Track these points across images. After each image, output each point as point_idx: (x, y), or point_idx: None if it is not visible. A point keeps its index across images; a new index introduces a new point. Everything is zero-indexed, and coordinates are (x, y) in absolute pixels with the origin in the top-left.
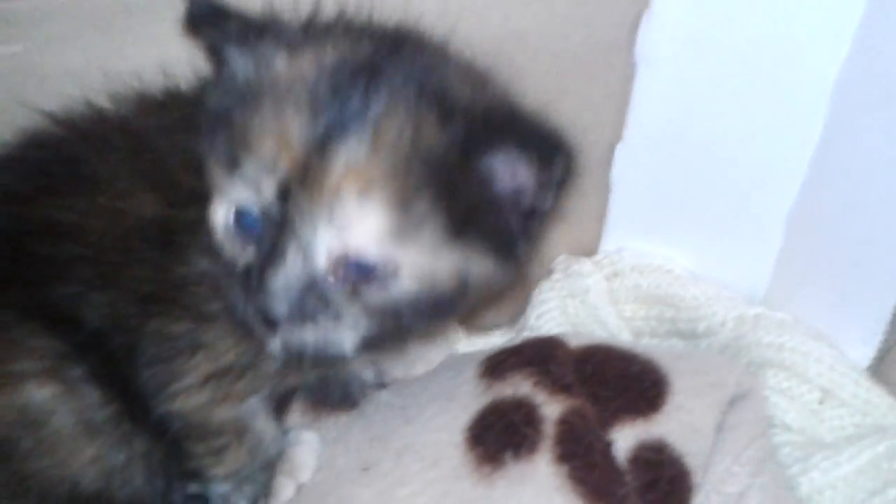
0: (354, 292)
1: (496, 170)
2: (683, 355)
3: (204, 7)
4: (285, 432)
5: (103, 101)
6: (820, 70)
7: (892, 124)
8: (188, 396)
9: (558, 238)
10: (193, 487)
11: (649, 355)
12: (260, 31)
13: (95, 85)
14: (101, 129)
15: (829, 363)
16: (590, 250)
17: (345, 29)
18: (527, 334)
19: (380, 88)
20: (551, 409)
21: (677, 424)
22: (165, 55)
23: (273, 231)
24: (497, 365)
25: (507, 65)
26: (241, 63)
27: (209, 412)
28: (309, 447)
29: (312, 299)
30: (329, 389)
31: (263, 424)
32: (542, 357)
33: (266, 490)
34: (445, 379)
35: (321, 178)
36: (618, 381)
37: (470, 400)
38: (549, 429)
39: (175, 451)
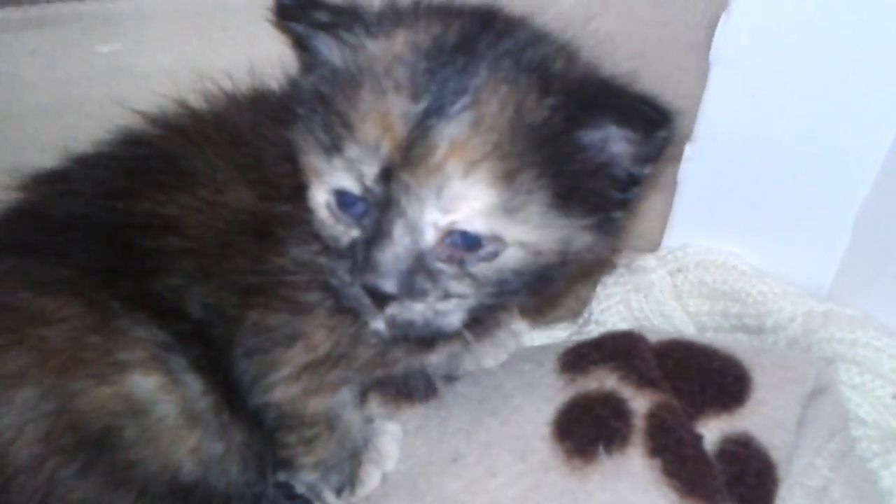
0: (462, 266)
1: (597, 140)
2: (762, 350)
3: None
4: (369, 422)
5: (196, 100)
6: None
7: None
8: (285, 387)
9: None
10: (281, 476)
11: (729, 350)
12: (349, 17)
13: (188, 84)
14: (196, 125)
15: None
16: (653, 246)
17: (432, 9)
18: (591, 329)
19: (478, 65)
20: (639, 403)
21: (761, 418)
22: (256, 54)
23: (378, 210)
24: (579, 359)
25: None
26: (334, 50)
27: (304, 403)
28: (393, 437)
29: (421, 275)
30: (410, 381)
31: (352, 415)
32: (624, 351)
33: (351, 479)
34: (524, 372)
35: (425, 156)
36: (700, 375)
37: (552, 393)
38: (640, 422)
39: (269, 442)
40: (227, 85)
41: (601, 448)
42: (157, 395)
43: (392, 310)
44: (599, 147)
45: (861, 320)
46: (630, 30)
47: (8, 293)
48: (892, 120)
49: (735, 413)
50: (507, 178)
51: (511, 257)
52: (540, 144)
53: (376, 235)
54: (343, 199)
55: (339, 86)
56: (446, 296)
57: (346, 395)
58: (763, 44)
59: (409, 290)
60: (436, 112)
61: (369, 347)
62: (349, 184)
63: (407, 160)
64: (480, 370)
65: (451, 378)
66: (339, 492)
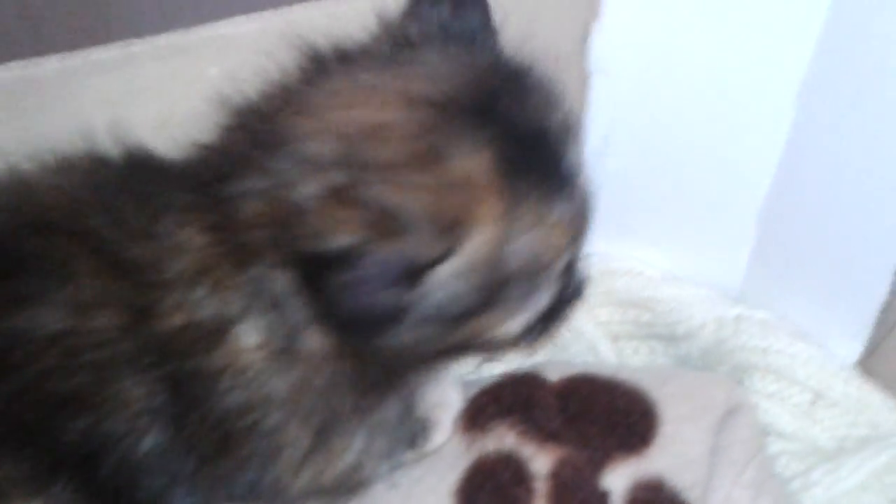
0: None
1: None
2: (667, 377)
3: None
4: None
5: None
6: (786, 71)
7: (859, 120)
8: (297, 484)
9: None
10: None
11: (634, 382)
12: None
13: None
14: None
15: (818, 363)
16: None
17: None
18: None
19: None
20: (540, 462)
21: (671, 457)
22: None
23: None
24: (478, 414)
25: None
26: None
27: (319, 480)
28: (453, 382)
29: None
30: None
31: (379, 443)
32: (522, 402)
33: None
34: None
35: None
36: (605, 416)
37: (455, 458)
38: (541, 486)
39: None
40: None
41: None
42: None
43: None
44: None
45: (773, 324)
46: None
47: None
48: (785, 116)
49: (644, 455)
50: None
51: None
52: None
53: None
54: None
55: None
56: None
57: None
58: (641, 48)
59: None
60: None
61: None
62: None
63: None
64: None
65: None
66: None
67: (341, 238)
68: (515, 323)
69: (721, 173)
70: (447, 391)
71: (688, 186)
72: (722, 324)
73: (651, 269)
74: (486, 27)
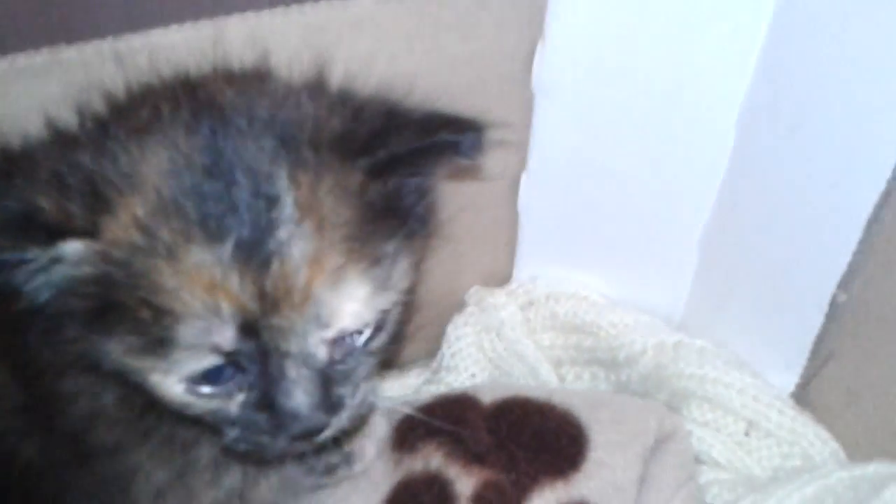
0: (358, 353)
1: (406, 182)
2: (601, 402)
3: None
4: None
5: None
6: (725, 91)
7: (798, 147)
8: None
9: (470, 268)
10: None
11: (566, 406)
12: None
13: None
14: None
15: (753, 393)
16: (502, 279)
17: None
18: (443, 375)
19: (277, 163)
20: (465, 484)
21: (599, 482)
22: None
23: (257, 361)
24: (408, 433)
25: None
26: (68, 261)
27: None
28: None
29: (332, 387)
30: None
31: (258, 493)
32: (453, 421)
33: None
34: None
35: (283, 292)
36: (535, 439)
37: (381, 477)
38: None
39: None
40: None
41: None
42: None
43: (326, 433)
44: (408, 184)
45: (711, 352)
46: (439, 67)
47: None
48: (725, 143)
49: (571, 479)
50: (371, 261)
51: (392, 316)
52: (376, 207)
53: (273, 386)
54: (205, 377)
55: (102, 294)
56: (358, 384)
57: (233, 475)
58: (584, 69)
59: (332, 407)
60: (257, 241)
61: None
62: (201, 363)
63: (268, 309)
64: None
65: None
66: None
67: None
68: (166, 380)
69: (663, 198)
70: (373, 419)
71: (630, 211)
72: (661, 350)
73: (594, 294)
74: None
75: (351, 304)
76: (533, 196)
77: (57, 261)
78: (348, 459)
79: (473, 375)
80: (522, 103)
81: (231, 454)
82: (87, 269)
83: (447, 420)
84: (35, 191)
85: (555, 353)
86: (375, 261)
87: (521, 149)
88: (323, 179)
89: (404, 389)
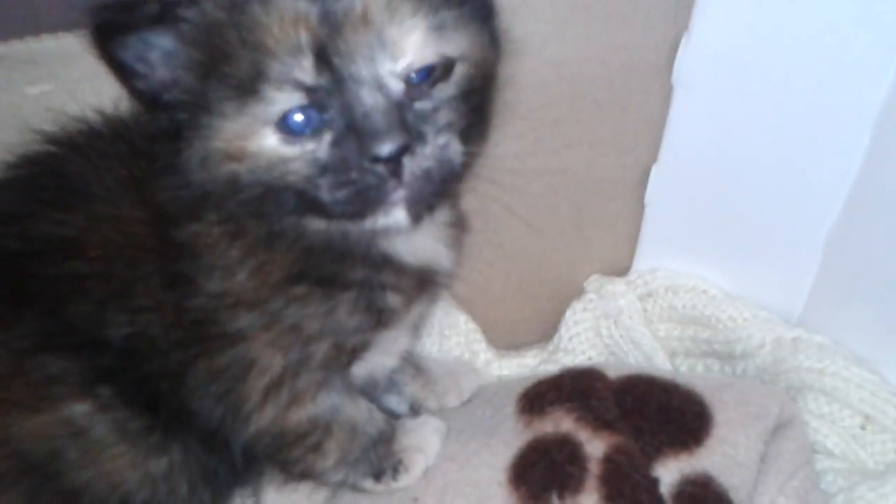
0: (432, 98)
1: None
2: (725, 385)
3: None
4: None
5: (94, 117)
6: (863, 94)
7: None
8: (259, 415)
9: (590, 257)
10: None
11: (690, 386)
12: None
13: None
14: (91, 140)
15: (871, 388)
16: (622, 270)
17: None
18: (560, 356)
19: None
20: (595, 446)
21: (721, 458)
22: None
23: (336, 95)
24: (536, 399)
25: (544, 90)
26: (175, 35)
27: (284, 419)
28: (435, 429)
29: (410, 118)
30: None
31: (352, 409)
32: (582, 390)
33: (392, 465)
34: (485, 414)
35: (350, 19)
36: (660, 413)
37: (511, 437)
38: (594, 467)
39: (229, 460)
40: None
41: (554, 495)
42: (91, 418)
43: (410, 166)
44: None
45: (830, 348)
46: (589, 55)
47: None
48: (860, 141)
49: (694, 452)
50: (427, 6)
51: (460, 72)
52: None
53: (354, 112)
54: (291, 124)
55: (210, 42)
56: (438, 130)
57: (331, 395)
58: (725, 67)
59: (412, 131)
60: None
61: (323, 341)
62: (290, 101)
63: (335, 33)
64: (443, 408)
65: (414, 411)
66: (377, 477)
67: None
68: (262, 137)
69: (791, 197)
70: (428, 437)
71: (757, 208)
72: (780, 344)
73: (713, 287)
74: None
75: (411, 38)
76: (660, 189)
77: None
78: (396, 469)
79: (590, 358)
80: (661, 96)
81: (332, 215)
82: (198, 16)
83: (575, 389)
84: None
85: (670, 344)
86: (431, 8)
87: (654, 141)
88: None
89: (521, 369)
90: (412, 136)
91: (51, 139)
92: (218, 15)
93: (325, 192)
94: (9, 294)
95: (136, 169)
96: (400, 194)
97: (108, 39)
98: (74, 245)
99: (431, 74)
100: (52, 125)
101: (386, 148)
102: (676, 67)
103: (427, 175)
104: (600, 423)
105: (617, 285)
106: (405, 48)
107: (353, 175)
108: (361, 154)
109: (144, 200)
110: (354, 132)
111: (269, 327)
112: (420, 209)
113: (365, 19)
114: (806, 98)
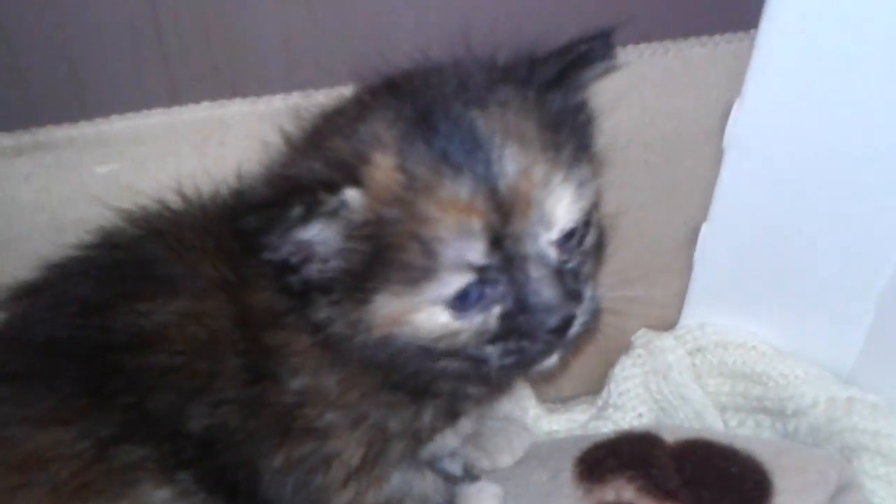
0: (579, 255)
1: (566, 100)
2: (783, 450)
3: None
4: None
5: (176, 201)
6: None
7: None
8: (338, 499)
9: (639, 311)
10: None
11: (749, 451)
12: (326, 183)
13: None
14: (176, 228)
15: None
16: (669, 325)
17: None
18: (610, 412)
19: (470, 105)
20: None
21: None
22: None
23: (504, 272)
24: (595, 466)
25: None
26: (331, 224)
27: (362, 501)
28: (493, 495)
29: (568, 284)
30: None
31: (420, 483)
32: (641, 458)
33: None
34: (542, 478)
35: (514, 202)
36: (720, 481)
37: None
38: None
39: None
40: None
41: None
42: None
43: (575, 327)
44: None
45: (884, 408)
46: (643, 121)
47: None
48: None
49: None
50: (567, 167)
51: (594, 220)
52: (552, 122)
53: (523, 286)
54: (462, 301)
55: (373, 235)
56: (586, 282)
57: (403, 473)
58: (777, 129)
59: (575, 296)
60: (485, 164)
61: (405, 438)
62: (462, 280)
63: (504, 217)
64: (497, 468)
65: (471, 479)
66: None
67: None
68: (433, 314)
69: (842, 256)
70: (487, 501)
71: (808, 266)
72: (833, 404)
73: (764, 344)
74: None
75: (561, 205)
76: (710, 246)
77: (342, 206)
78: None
79: (640, 415)
80: (712, 157)
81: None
82: (364, 214)
83: (634, 456)
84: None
85: (720, 399)
86: (569, 166)
87: (704, 200)
88: (508, 108)
89: (570, 424)
90: (576, 302)
91: (131, 220)
92: (382, 212)
93: (495, 358)
94: (91, 386)
95: (226, 270)
96: (562, 350)
97: (256, 241)
98: (158, 338)
99: (576, 234)
100: (124, 202)
101: (557, 321)
102: (728, 131)
103: (584, 327)
104: (662, 493)
105: (665, 340)
106: (558, 217)
107: (524, 343)
108: (534, 326)
109: (232, 301)
110: (523, 304)
111: (355, 426)
112: (570, 352)
113: (527, 199)
114: (855, 162)
